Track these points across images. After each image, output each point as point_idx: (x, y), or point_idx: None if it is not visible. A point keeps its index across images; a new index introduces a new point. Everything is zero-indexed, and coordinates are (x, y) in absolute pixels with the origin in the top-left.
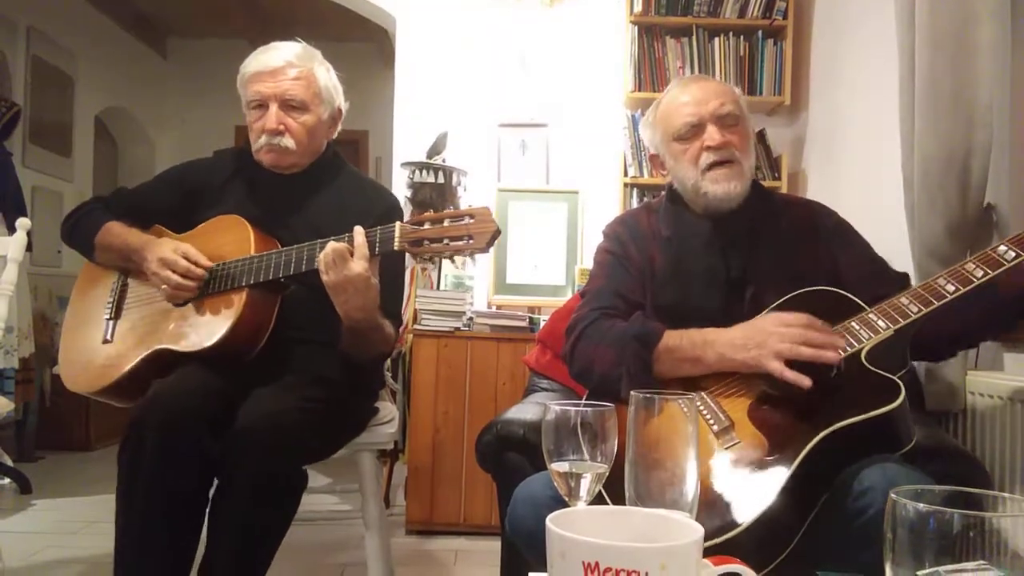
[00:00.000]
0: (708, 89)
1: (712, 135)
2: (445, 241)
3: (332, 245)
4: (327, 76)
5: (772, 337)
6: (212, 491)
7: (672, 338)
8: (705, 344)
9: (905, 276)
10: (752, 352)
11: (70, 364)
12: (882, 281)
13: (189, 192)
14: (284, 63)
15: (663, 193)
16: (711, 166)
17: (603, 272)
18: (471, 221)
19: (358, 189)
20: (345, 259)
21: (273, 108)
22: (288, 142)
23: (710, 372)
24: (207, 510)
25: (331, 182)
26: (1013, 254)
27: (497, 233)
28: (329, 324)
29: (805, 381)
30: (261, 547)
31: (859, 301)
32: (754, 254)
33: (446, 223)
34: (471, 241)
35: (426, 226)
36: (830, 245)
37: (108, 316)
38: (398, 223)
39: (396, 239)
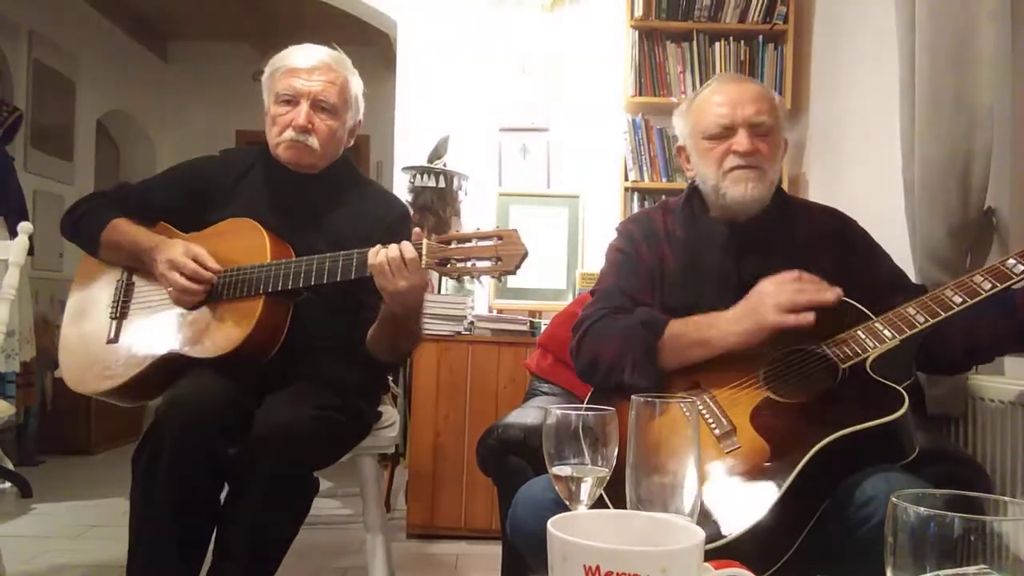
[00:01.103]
0: (746, 92)
1: (741, 140)
2: (472, 262)
3: (388, 255)
4: (358, 86)
5: (767, 298)
6: (223, 494)
7: (677, 326)
8: (710, 326)
9: (923, 288)
10: (752, 319)
11: (73, 363)
12: (901, 293)
13: (196, 190)
14: (321, 64)
15: (681, 193)
16: (734, 168)
17: (613, 271)
18: (499, 242)
19: (370, 197)
20: (402, 269)
21: (304, 106)
22: (313, 142)
23: (716, 355)
24: (219, 513)
25: (345, 189)
26: (1022, 267)
27: (525, 256)
28: (339, 329)
29: (808, 317)
30: (270, 552)
31: (866, 310)
32: (768, 260)
33: (473, 243)
34: (499, 263)
35: (453, 245)
36: (849, 255)
37: (112, 315)
38: (425, 240)
39: (423, 256)
